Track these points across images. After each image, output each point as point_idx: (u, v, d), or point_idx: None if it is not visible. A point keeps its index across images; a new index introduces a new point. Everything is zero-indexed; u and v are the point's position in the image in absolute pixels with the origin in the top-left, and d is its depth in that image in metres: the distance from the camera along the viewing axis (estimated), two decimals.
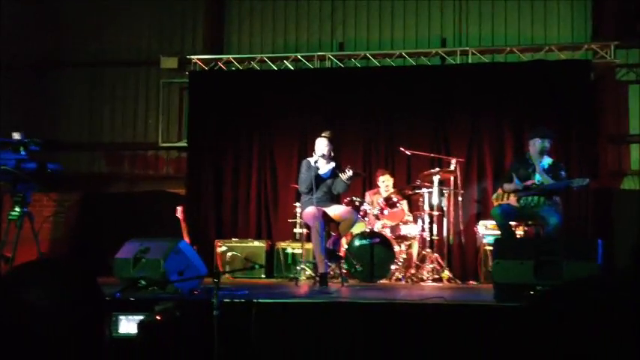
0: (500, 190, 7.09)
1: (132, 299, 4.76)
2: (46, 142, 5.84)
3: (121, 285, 5.13)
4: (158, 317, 4.23)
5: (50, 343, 1.33)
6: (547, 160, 6.88)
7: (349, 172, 6.83)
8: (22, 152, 5.45)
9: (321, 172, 6.91)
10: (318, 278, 6.78)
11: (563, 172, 6.85)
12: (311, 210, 6.81)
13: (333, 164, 6.99)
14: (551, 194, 6.74)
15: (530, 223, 7.05)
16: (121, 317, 4.55)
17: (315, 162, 6.91)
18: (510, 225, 6.82)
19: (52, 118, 10.49)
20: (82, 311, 1.37)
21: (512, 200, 6.84)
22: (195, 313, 4.46)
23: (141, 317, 4.35)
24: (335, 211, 6.98)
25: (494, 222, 7.20)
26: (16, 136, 5.52)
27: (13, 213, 5.30)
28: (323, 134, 7.09)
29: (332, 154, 7.06)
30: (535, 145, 6.87)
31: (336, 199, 7.28)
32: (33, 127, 8.91)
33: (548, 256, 4.93)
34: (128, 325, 4.51)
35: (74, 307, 1.36)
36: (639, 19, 9.28)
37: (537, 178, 6.75)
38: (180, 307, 4.38)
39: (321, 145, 6.97)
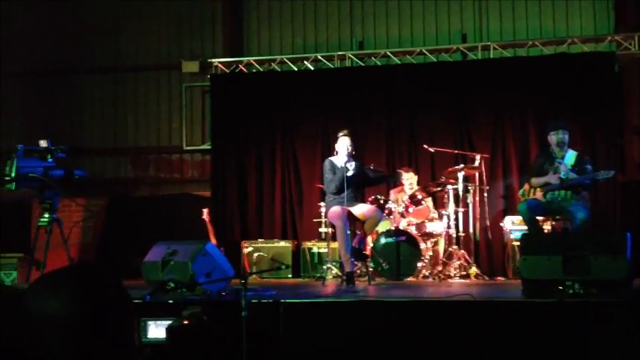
0: (526, 186, 7.04)
1: (160, 304, 4.80)
2: (71, 148, 5.91)
3: (150, 288, 5.18)
4: (186, 322, 4.26)
5: (74, 353, 1.33)
6: (572, 154, 6.82)
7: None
8: (50, 159, 5.53)
9: (348, 172, 6.90)
10: (344, 277, 6.79)
11: (589, 166, 6.79)
12: (336, 209, 6.82)
13: (354, 163, 6.98)
14: (578, 189, 6.68)
15: (557, 217, 6.98)
16: (150, 322, 4.59)
17: (345, 163, 6.91)
18: (537, 220, 6.76)
19: (77, 124, 10.62)
20: (106, 318, 1.37)
21: (539, 195, 6.79)
22: (223, 316, 4.49)
23: (169, 322, 4.39)
24: (360, 209, 6.98)
25: (520, 217, 7.15)
26: (43, 143, 5.60)
27: (43, 219, 5.38)
28: (343, 133, 7.09)
29: (353, 152, 7.06)
30: (552, 138, 6.87)
31: (360, 198, 7.28)
32: (58, 134, 9.02)
33: (577, 251, 4.88)
34: (157, 331, 4.55)
35: (97, 315, 1.36)
36: None
37: (562, 172, 6.70)
38: (207, 311, 4.41)
39: (347, 143, 6.97)
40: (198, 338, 4.23)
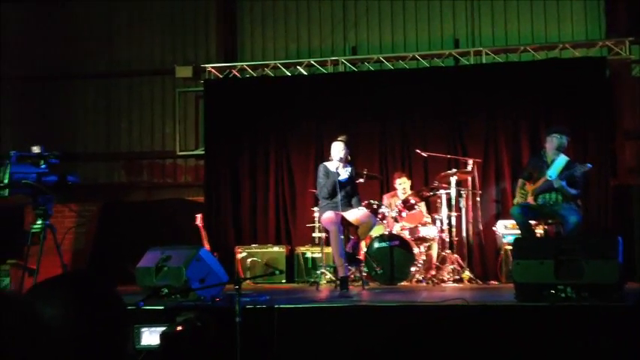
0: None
1: (153, 310, 4.79)
2: (64, 154, 5.90)
3: (144, 294, 5.17)
4: (179, 328, 4.25)
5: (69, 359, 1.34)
6: (562, 159, 6.85)
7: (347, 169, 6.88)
8: (43, 165, 5.51)
9: (341, 177, 6.90)
10: (338, 282, 6.79)
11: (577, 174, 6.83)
12: (329, 215, 6.82)
13: (349, 168, 7.00)
14: (567, 196, 6.72)
15: (549, 222, 7.02)
16: (143, 329, 4.58)
17: (337, 168, 6.90)
18: (530, 224, 6.80)
19: (70, 129, 10.61)
20: (100, 325, 1.39)
21: (530, 199, 6.83)
22: (217, 322, 4.49)
23: (163, 329, 4.38)
24: (353, 214, 6.98)
25: (513, 221, 7.19)
26: (36, 149, 5.57)
27: (36, 226, 5.36)
28: (339, 138, 7.09)
29: (349, 158, 7.07)
30: (553, 140, 6.88)
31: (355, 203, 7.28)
32: (51, 140, 9.01)
33: (569, 255, 4.91)
34: (150, 337, 4.54)
35: (92, 322, 1.38)
36: None
37: (549, 174, 6.74)
38: (201, 317, 4.41)
39: (339, 148, 6.96)
40: (191, 344, 4.23)
